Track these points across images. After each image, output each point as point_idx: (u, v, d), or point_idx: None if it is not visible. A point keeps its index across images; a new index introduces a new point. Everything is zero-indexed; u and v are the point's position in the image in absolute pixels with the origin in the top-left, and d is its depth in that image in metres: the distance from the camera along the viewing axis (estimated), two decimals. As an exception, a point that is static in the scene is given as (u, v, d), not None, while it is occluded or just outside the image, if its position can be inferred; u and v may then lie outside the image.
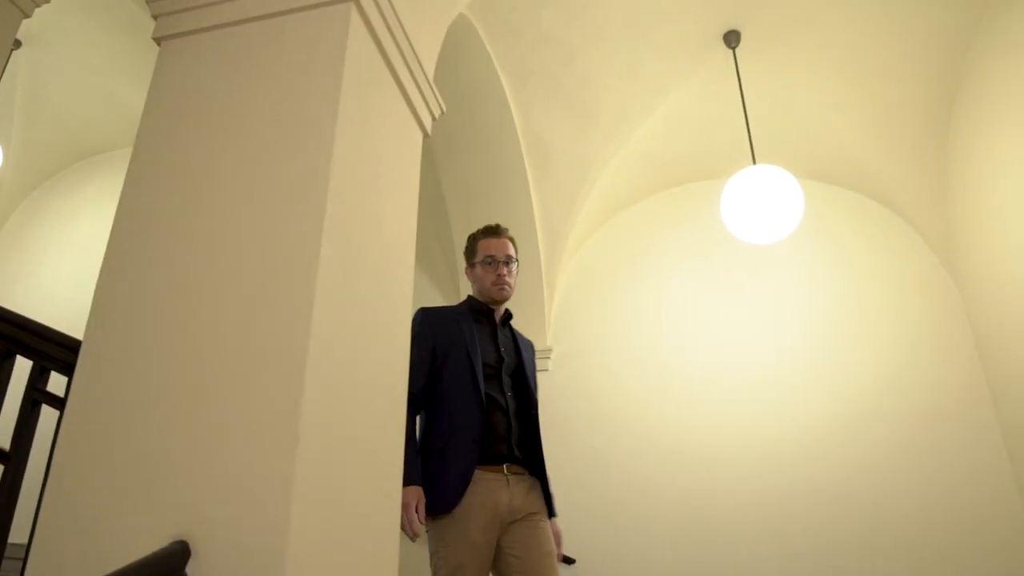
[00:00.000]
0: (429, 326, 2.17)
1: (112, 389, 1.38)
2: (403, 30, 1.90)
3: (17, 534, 1.81)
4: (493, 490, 1.97)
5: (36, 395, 1.91)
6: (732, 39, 3.45)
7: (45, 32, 4.09)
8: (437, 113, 2.15)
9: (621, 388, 4.06)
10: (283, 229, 1.44)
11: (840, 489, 3.51)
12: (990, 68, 3.15)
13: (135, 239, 1.53)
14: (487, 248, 2.29)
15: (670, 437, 3.87)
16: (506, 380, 2.16)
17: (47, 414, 1.88)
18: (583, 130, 3.89)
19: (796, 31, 3.42)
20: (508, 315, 2.33)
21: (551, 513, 2.14)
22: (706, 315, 4.09)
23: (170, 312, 1.42)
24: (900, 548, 3.33)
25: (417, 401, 2.07)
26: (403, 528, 1.81)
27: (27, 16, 2.47)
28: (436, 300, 4.48)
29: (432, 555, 1.92)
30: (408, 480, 1.84)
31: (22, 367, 1.91)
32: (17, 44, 4.11)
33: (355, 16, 1.67)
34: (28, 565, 1.28)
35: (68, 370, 1.86)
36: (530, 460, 2.13)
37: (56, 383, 1.88)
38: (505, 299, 2.28)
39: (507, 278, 2.25)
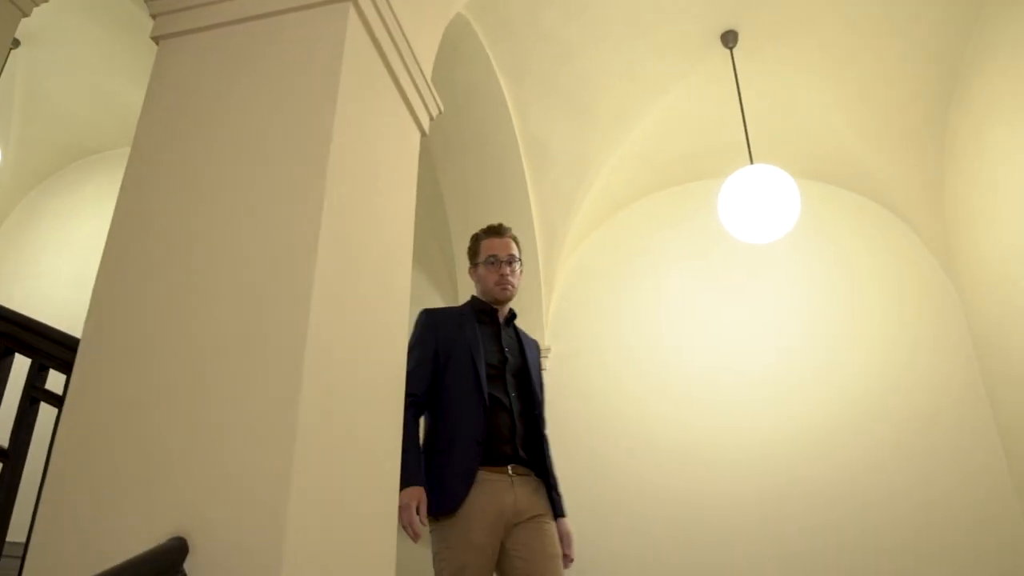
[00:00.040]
0: (432, 327, 2.16)
1: (110, 387, 1.38)
2: (401, 29, 1.91)
3: (15, 533, 1.81)
4: (497, 491, 1.96)
5: (35, 393, 1.91)
6: (730, 39, 3.46)
7: (44, 31, 4.09)
8: (435, 113, 2.15)
9: (619, 388, 4.06)
10: (280, 228, 1.45)
11: (838, 489, 3.52)
12: (986, 68, 3.16)
13: (133, 238, 1.53)
14: (490, 248, 2.27)
15: (668, 437, 3.87)
16: (510, 380, 2.14)
17: (46, 412, 1.89)
18: (581, 130, 3.90)
19: (794, 31, 3.43)
20: (512, 315, 2.32)
21: (560, 513, 2.12)
22: (704, 315, 4.10)
23: (168, 311, 1.43)
24: (898, 548, 3.34)
25: (420, 402, 2.05)
26: (404, 528, 1.80)
27: (26, 15, 2.47)
28: (434, 299, 4.49)
29: (435, 556, 1.91)
30: (410, 481, 1.85)
31: (21, 365, 1.92)
32: (16, 43, 4.11)
33: (353, 15, 1.68)
34: (27, 562, 1.29)
35: (66, 368, 1.86)
36: (535, 461, 2.11)
37: (55, 381, 1.88)
38: (508, 299, 2.26)
39: (510, 278, 2.23)
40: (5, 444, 1.86)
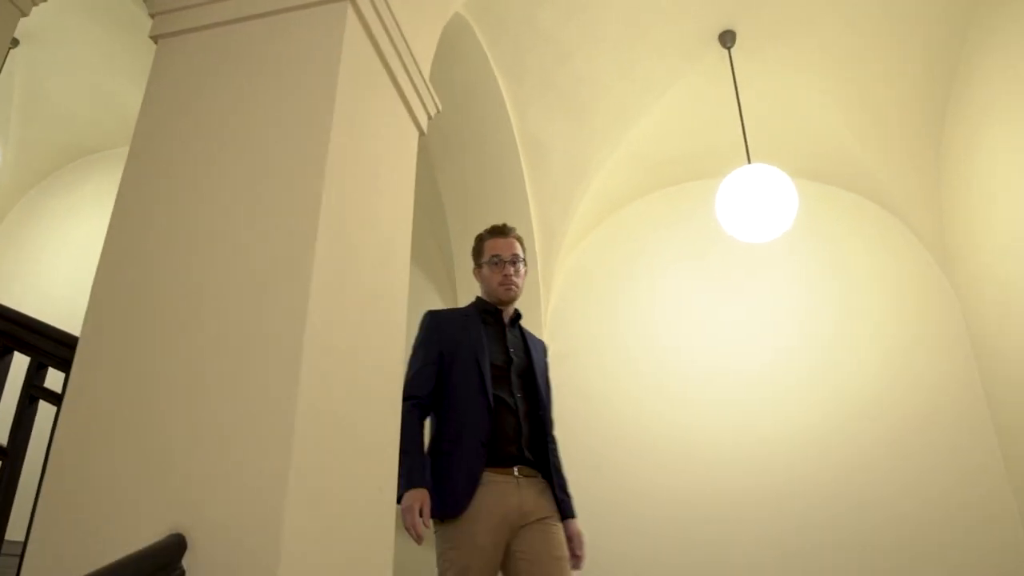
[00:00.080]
0: (436, 329, 2.15)
1: (109, 385, 1.39)
2: (399, 29, 1.91)
3: (14, 531, 1.82)
4: (502, 493, 1.94)
5: (33, 391, 1.92)
6: (727, 39, 3.46)
7: (43, 31, 4.09)
8: (433, 112, 2.16)
9: (617, 388, 4.07)
10: (278, 227, 1.46)
11: (835, 488, 3.52)
12: (983, 68, 3.17)
13: (132, 236, 1.54)
14: (493, 248, 2.25)
15: (666, 436, 3.88)
16: (515, 381, 2.12)
17: (44, 410, 1.89)
18: (579, 129, 3.91)
19: (791, 31, 3.44)
20: (517, 315, 2.30)
21: (569, 515, 2.10)
22: (702, 315, 4.10)
23: (166, 309, 1.43)
24: (895, 547, 3.35)
25: (425, 404, 2.05)
26: (408, 531, 1.79)
27: (25, 15, 2.47)
28: (432, 298, 4.49)
29: (439, 557, 1.90)
30: (413, 483, 1.85)
31: (20, 363, 1.92)
32: (15, 43, 4.11)
33: (351, 15, 1.68)
34: (26, 558, 1.29)
35: (65, 366, 1.86)
36: (542, 462, 2.09)
37: (53, 379, 1.89)
38: (512, 299, 2.25)
39: (514, 278, 2.22)
40: (4, 442, 1.87)
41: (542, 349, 2.34)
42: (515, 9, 3.30)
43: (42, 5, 2.60)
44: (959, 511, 3.33)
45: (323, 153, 1.51)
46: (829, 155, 3.97)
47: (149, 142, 1.64)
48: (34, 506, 1.34)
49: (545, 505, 2.02)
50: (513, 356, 2.17)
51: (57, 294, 4.56)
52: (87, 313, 1.48)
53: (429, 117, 2.15)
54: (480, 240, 2.32)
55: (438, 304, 4.46)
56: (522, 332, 2.29)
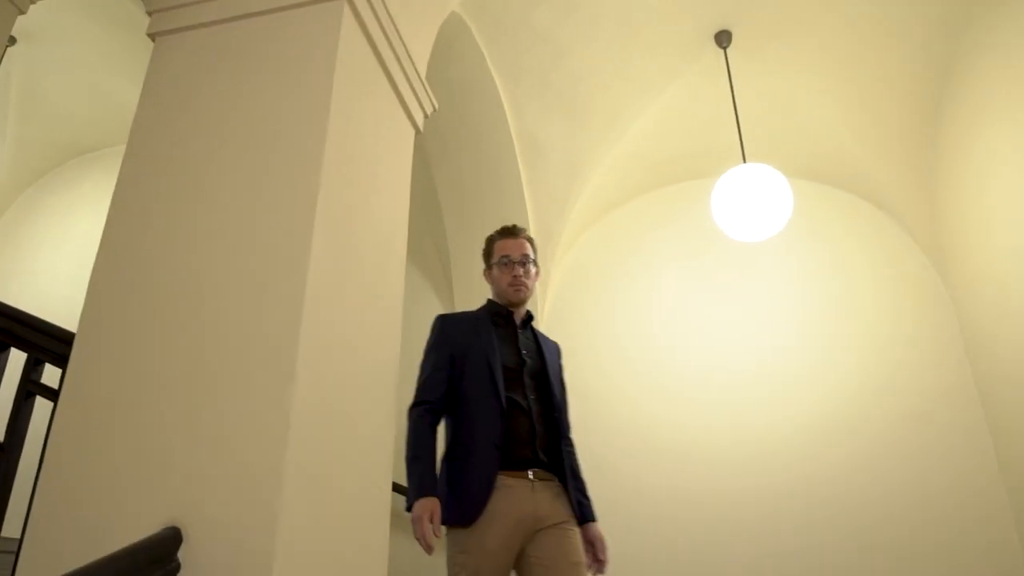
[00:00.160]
0: (447, 333, 2.11)
1: (105, 381, 1.40)
2: (395, 28, 1.92)
3: (9, 529, 1.82)
4: (517, 497, 1.90)
5: (30, 387, 1.93)
6: (723, 39, 3.48)
7: (40, 29, 4.10)
8: (429, 110, 2.17)
9: (613, 387, 4.08)
10: (274, 223, 1.46)
11: (831, 488, 3.53)
12: (978, 66, 3.18)
13: (129, 233, 1.55)
14: (503, 249, 2.21)
15: (661, 435, 3.89)
16: (528, 383, 2.08)
17: (40, 409, 1.90)
18: (575, 129, 3.92)
19: (787, 31, 3.45)
20: (529, 317, 2.26)
21: (590, 518, 2.06)
22: (698, 314, 4.11)
23: (162, 304, 1.44)
24: (890, 546, 3.36)
25: (437, 409, 2.01)
26: (418, 541, 1.75)
27: (22, 13, 2.47)
28: (429, 296, 4.50)
29: (449, 561, 1.87)
30: (423, 491, 1.80)
31: (17, 359, 1.93)
32: (12, 41, 4.11)
33: (347, 14, 1.69)
34: (23, 551, 1.30)
35: (62, 362, 1.87)
36: (558, 465, 2.05)
37: (50, 375, 1.89)
38: (523, 300, 2.20)
39: (524, 279, 2.17)
40: (0, 438, 1.88)
41: (556, 350, 2.29)
42: (512, 8, 3.31)
43: (40, 3, 2.61)
44: (954, 510, 3.35)
45: (319, 151, 1.52)
46: (825, 155, 3.99)
47: (146, 140, 1.65)
48: (30, 502, 1.35)
49: (561, 509, 1.96)
50: (525, 358, 2.12)
51: (55, 291, 4.56)
52: (84, 309, 1.49)
53: (425, 115, 2.16)
54: (490, 241, 2.28)
55: (434, 302, 4.48)
56: (535, 333, 2.25)
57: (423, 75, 2.13)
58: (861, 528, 3.42)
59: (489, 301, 2.26)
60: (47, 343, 1.95)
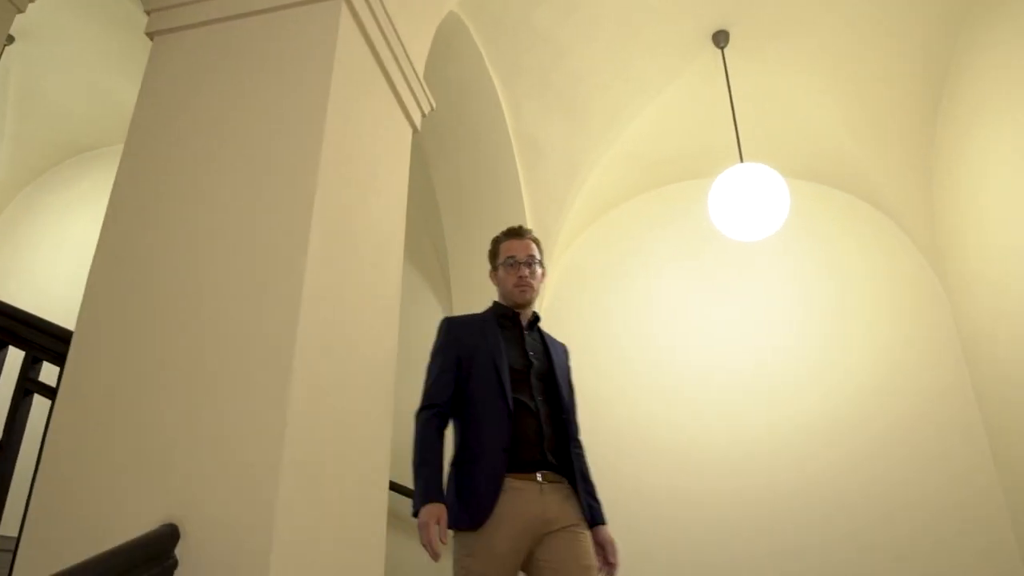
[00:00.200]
0: (453, 335, 2.10)
1: (103, 378, 1.40)
2: (393, 27, 1.93)
3: (7, 527, 1.82)
4: (525, 500, 1.88)
5: (28, 385, 1.93)
6: (721, 39, 3.48)
7: (39, 28, 4.10)
8: (427, 109, 2.17)
9: (611, 387, 4.08)
10: (272, 223, 1.47)
11: (828, 487, 3.54)
12: (974, 66, 3.18)
13: (127, 232, 1.55)
14: (509, 250, 2.20)
15: (659, 435, 3.89)
16: (536, 384, 2.07)
17: (38, 408, 1.90)
18: (574, 129, 3.92)
19: (785, 32, 3.46)
20: (536, 318, 2.24)
21: (599, 521, 2.05)
22: (696, 314, 4.12)
23: (160, 303, 1.45)
24: (887, 546, 3.36)
25: (444, 412, 1.99)
26: (424, 547, 1.74)
27: (20, 11, 2.48)
28: (427, 296, 4.50)
29: (455, 563, 1.86)
30: (429, 497, 1.79)
31: (15, 357, 1.93)
32: (10, 40, 4.11)
33: (345, 13, 1.70)
34: (20, 548, 1.31)
35: (60, 360, 1.87)
36: (567, 467, 2.03)
37: (48, 373, 1.90)
38: (529, 301, 2.19)
39: (529, 280, 2.16)
40: (-1, 436, 1.88)
41: (564, 352, 2.28)
42: (510, 8, 3.32)
43: (38, 2, 2.61)
44: (950, 510, 3.35)
45: (317, 150, 1.52)
46: (823, 155, 4.00)
47: (144, 138, 1.65)
48: (27, 500, 1.36)
49: (571, 512, 1.94)
50: (532, 359, 2.11)
51: (53, 290, 4.56)
52: (82, 308, 1.50)
53: (423, 114, 2.17)
54: (496, 242, 2.27)
55: (432, 302, 4.48)
56: (542, 335, 2.24)
57: (421, 75, 2.14)
58: (859, 527, 3.43)
59: (495, 303, 2.25)
60: (45, 341, 1.95)
